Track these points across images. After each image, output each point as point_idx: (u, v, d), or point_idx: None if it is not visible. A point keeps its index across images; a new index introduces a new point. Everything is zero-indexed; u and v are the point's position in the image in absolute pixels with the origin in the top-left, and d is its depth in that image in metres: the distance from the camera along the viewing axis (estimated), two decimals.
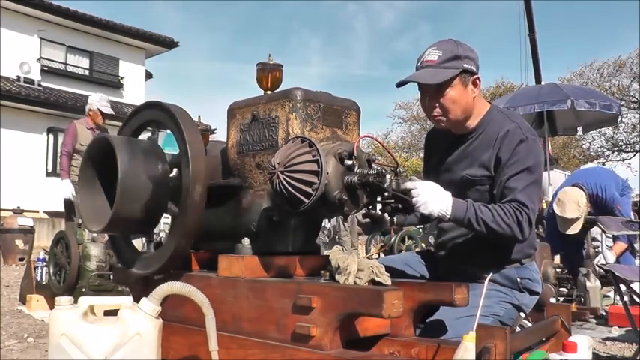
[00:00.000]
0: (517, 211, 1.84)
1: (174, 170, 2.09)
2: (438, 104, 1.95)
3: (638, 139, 25.27)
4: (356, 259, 1.68)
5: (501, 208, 1.84)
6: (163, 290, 1.58)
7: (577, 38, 49.62)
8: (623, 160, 26.00)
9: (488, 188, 1.96)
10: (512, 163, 1.89)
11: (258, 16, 71.26)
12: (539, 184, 1.93)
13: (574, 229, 4.52)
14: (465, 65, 1.92)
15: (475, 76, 1.95)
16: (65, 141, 5.76)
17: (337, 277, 1.68)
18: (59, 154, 6.01)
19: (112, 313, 1.56)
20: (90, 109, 5.73)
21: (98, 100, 5.79)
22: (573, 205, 4.46)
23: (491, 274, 1.95)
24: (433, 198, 1.78)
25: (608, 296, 4.82)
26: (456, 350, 1.47)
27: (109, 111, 5.80)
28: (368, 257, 1.78)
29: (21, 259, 8.44)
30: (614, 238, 4.66)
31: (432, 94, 1.95)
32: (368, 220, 1.95)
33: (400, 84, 1.99)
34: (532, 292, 2.04)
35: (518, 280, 2.00)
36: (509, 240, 1.90)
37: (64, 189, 5.62)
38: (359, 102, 2.12)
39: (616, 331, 3.79)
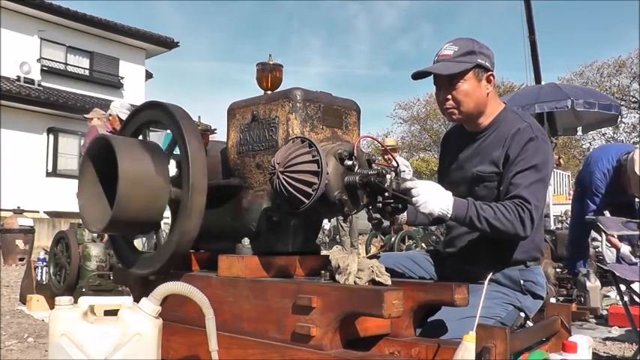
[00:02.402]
0: (519, 207, 1.84)
1: (175, 170, 2.10)
2: (450, 97, 1.99)
3: (638, 139, 25.25)
4: (356, 259, 1.68)
5: (503, 205, 1.85)
6: (163, 290, 1.58)
7: (577, 38, 49.63)
8: None
9: (496, 185, 1.97)
10: (519, 160, 1.91)
11: (258, 15, 71.35)
12: (545, 182, 1.94)
13: None
14: (479, 60, 1.96)
15: (489, 73, 2.00)
16: (86, 142, 5.88)
17: (337, 277, 1.68)
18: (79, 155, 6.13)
19: (112, 313, 1.56)
20: (110, 114, 5.88)
21: (119, 106, 5.96)
22: None
23: (491, 273, 1.95)
24: (433, 197, 1.78)
25: (608, 296, 4.83)
26: (456, 350, 1.47)
27: (121, 116, 5.90)
28: (369, 257, 1.78)
29: (21, 259, 8.45)
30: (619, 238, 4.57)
31: (445, 86, 2.00)
32: (378, 216, 1.95)
33: (415, 75, 2.03)
34: (535, 296, 2.03)
35: (521, 282, 2.00)
36: (512, 237, 1.89)
37: None
38: (359, 102, 2.12)
39: (616, 331, 3.79)
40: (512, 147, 1.93)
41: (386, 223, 1.95)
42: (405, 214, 2.11)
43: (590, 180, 4.61)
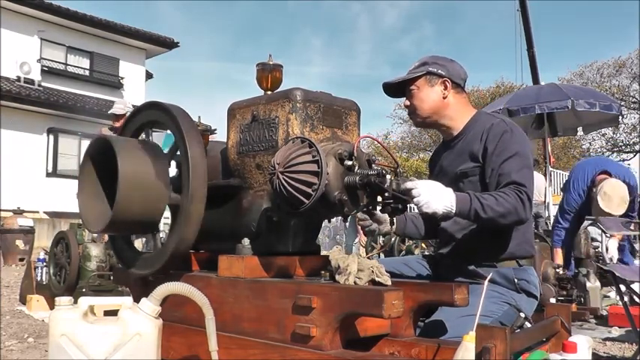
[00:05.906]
0: (516, 191, 1.88)
1: (175, 171, 2.10)
2: (409, 103, 2.17)
3: (638, 140, 25.26)
4: (356, 260, 1.68)
5: (502, 191, 1.88)
6: (163, 290, 1.58)
7: (577, 38, 49.59)
8: (623, 160, 25.94)
9: (479, 178, 2.02)
10: (500, 151, 1.98)
11: (259, 15, 71.38)
12: (531, 169, 2.01)
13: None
14: (430, 69, 2.11)
15: (444, 79, 2.11)
16: None
17: (337, 277, 1.68)
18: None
19: (112, 313, 1.56)
20: (116, 114, 5.90)
21: (115, 104, 5.97)
22: (621, 203, 4.31)
23: (490, 274, 1.96)
24: (435, 196, 1.78)
25: (608, 296, 4.83)
26: (456, 351, 1.47)
27: (113, 111, 5.93)
28: (368, 257, 1.78)
29: (21, 260, 8.46)
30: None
31: (407, 95, 2.17)
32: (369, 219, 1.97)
33: (384, 89, 2.24)
34: (529, 294, 2.05)
35: (515, 280, 2.01)
36: (514, 223, 1.91)
37: None
38: (360, 102, 2.13)
39: (616, 332, 3.80)
40: (489, 139, 2.01)
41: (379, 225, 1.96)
42: (395, 224, 2.16)
43: (567, 197, 4.76)
